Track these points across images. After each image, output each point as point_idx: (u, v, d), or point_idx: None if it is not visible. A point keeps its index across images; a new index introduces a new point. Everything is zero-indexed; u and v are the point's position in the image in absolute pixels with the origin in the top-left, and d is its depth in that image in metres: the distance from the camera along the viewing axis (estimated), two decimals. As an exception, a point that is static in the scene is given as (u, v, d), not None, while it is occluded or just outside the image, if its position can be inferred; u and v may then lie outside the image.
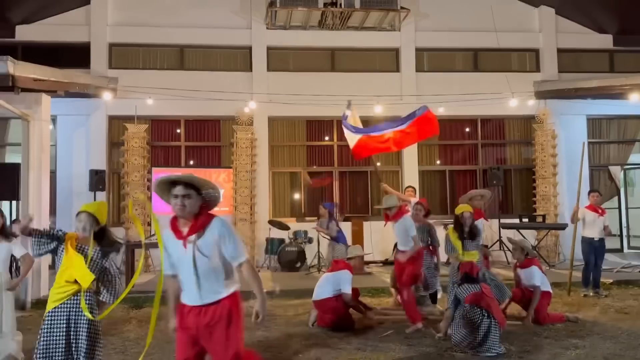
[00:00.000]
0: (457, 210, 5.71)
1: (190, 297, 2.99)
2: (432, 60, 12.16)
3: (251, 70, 11.41)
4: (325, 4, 10.99)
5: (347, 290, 5.96)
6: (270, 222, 10.45)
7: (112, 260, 3.70)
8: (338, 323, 5.85)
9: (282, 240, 10.41)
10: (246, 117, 11.03)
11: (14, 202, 8.28)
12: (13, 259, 5.24)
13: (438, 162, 12.22)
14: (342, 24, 11.50)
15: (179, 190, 2.92)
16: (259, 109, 10.98)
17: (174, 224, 2.98)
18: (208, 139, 11.51)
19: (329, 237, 9.02)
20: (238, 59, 11.59)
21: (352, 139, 7.14)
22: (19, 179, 7.63)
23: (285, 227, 10.37)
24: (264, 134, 11.29)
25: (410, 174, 11.64)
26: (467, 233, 5.57)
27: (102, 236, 3.61)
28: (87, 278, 3.45)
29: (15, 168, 7.80)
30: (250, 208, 10.85)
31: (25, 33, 10.86)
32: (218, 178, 10.88)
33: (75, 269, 3.44)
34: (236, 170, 10.82)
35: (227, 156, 11.33)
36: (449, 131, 12.16)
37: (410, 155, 11.70)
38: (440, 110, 11.37)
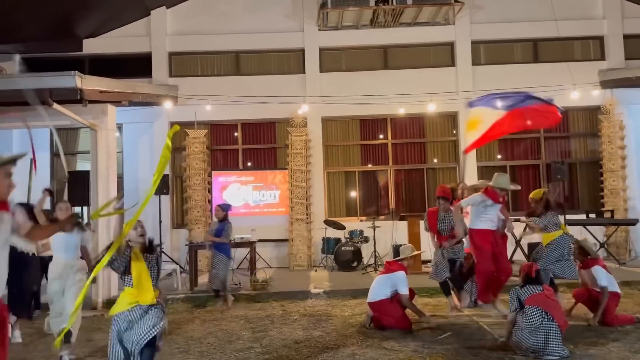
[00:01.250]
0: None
1: None
2: (489, 52, 11.81)
3: (304, 72, 11.53)
4: (376, 2, 10.92)
5: (404, 291, 5.92)
6: (326, 222, 10.53)
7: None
8: (394, 325, 5.84)
9: (338, 240, 10.47)
10: (300, 119, 11.18)
11: (84, 208, 8.77)
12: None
13: (498, 157, 11.88)
14: (395, 21, 11.39)
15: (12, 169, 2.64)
16: (313, 110, 11.10)
17: None
18: (264, 141, 11.76)
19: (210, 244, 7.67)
20: (291, 61, 11.75)
21: (487, 118, 6.55)
22: (88, 185, 8.14)
23: (340, 227, 10.42)
24: (318, 134, 11.40)
25: (469, 170, 11.36)
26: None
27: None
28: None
29: (85, 175, 8.32)
30: (306, 208, 10.99)
31: (91, 46, 11.51)
32: (274, 179, 11.13)
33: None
34: (292, 171, 10.99)
35: (282, 157, 11.53)
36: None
37: (468, 150, 11.44)
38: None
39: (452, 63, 11.70)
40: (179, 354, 5.23)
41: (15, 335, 5.83)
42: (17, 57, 11.37)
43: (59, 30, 10.86)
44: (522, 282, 5.15)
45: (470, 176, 11.16)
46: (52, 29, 10.71)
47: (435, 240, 6.84)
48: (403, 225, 10.23)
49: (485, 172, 11.66)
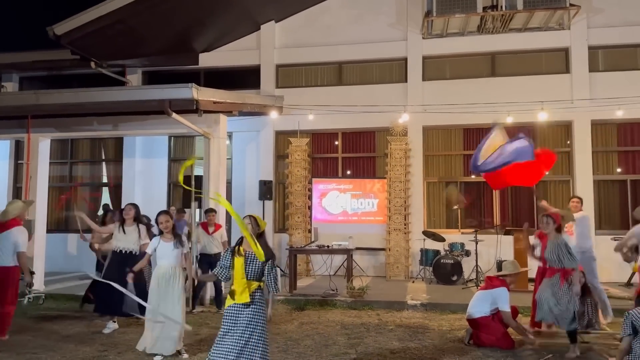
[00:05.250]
0: None
1: None
2: (608, 58, 10.94)
3: (406, 81, 11.47)
4: (484, 8, 10.59)
5: (505, 308, 5.68)
6: (425, 233, 10.34)
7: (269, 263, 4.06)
8: (495, 343, 5.60)
9: (437, 252, 10.23)
10: (400, 128, 11.12)
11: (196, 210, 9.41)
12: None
13: (618, 170, 10.93)
14: (504, 27, 10.95)
15: None
16: (414, 119, 10.99)
17: None
18: (363, 150, 11.85)
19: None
20: (393, 70, 11.74)
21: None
22: (201, 188, 8.74)
23: (440, 239, 10.18)
24: (418, 144, 11.25)
25: (584, 184, 10.60)
26: None
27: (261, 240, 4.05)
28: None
29: (198, 179, 8.94)
30: (405, 218, 10.88)
31: (206, 60, 12.36)
32: (373, 188, 11.16)
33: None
34: (390, 181, 10.95)
35: (381, 166, 11.53)
36: (630, 136, 10.86)
37: (583, 163, 10.67)
38: (620, 113, 10.26)
39: (567, 70, 10.99)
40: (278, 353, 5.43)
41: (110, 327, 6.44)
42: (139, 71, 12.54)
43: (178, 46, 11.81)
44: (635, 304, 4.71)
45: (586, 191, 10.39)
46: (172, 44, 11.68)
47: None
48: (508, 240, 9.74)
49: (602, 187, 10.81)
